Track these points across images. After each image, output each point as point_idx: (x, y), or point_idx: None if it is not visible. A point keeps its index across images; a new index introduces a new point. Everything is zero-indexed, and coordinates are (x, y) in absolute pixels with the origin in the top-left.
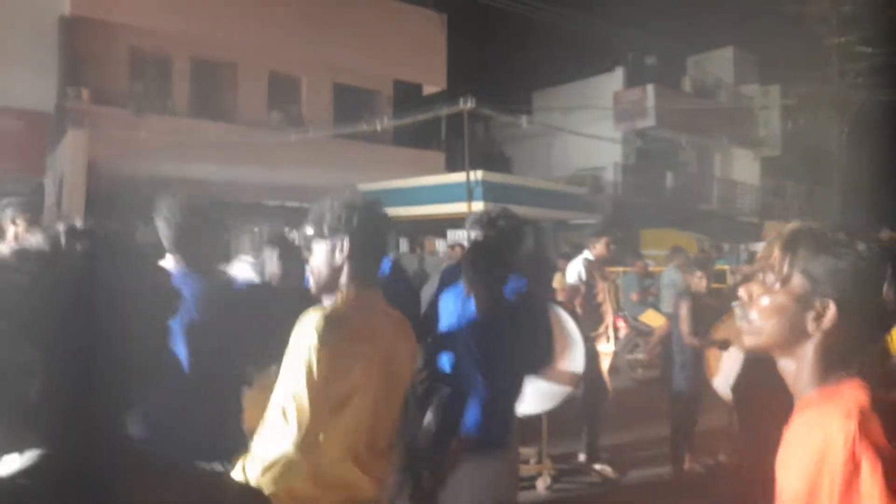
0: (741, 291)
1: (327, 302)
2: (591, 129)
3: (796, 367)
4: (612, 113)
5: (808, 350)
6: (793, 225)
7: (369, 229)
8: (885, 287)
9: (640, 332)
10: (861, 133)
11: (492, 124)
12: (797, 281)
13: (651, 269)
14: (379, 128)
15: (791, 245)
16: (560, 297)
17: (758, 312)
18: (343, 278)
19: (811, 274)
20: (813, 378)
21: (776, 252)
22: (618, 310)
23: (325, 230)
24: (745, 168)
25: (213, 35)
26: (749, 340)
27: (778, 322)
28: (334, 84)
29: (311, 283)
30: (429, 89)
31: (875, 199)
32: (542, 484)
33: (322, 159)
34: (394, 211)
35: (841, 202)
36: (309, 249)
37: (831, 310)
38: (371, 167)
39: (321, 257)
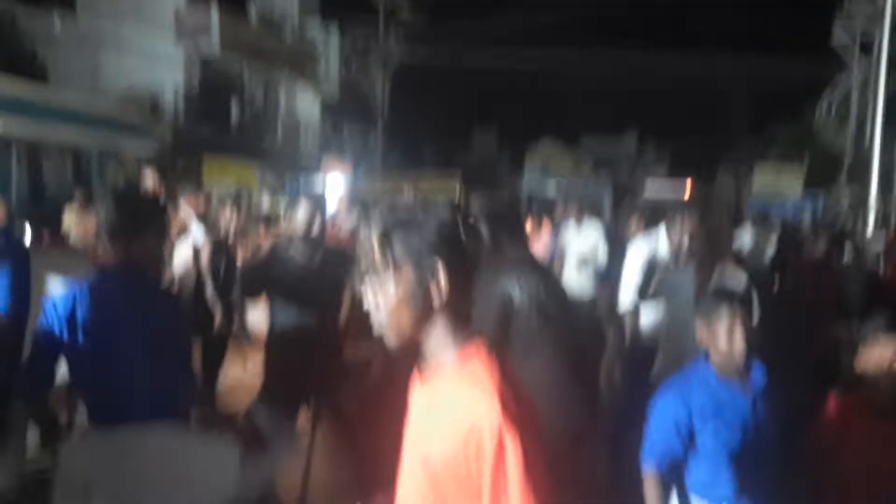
0: (368, 300)
1: None
2: (147, 44)
3: (432, 339)
4: (174, 30)
5: (440, 317)
6: (377, 228)
7: None
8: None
9: None
10: (401, 86)
11: (11, 19)
12: (405, 264)
13: None
14: None
15: (383, 241)
16: None
17: (390, 307)
18: None
19: (411, 253)
20: (448, 343)
21: (377, 254)
22: None
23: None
24: (306, 106)
25: None
26: (395, 335)
27: (411, 304)
28: None
29: None
30: None
31: (412, 144)
32: None
33: None
34: None
35: (386, 145)
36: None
37: (441, 269)
38: None
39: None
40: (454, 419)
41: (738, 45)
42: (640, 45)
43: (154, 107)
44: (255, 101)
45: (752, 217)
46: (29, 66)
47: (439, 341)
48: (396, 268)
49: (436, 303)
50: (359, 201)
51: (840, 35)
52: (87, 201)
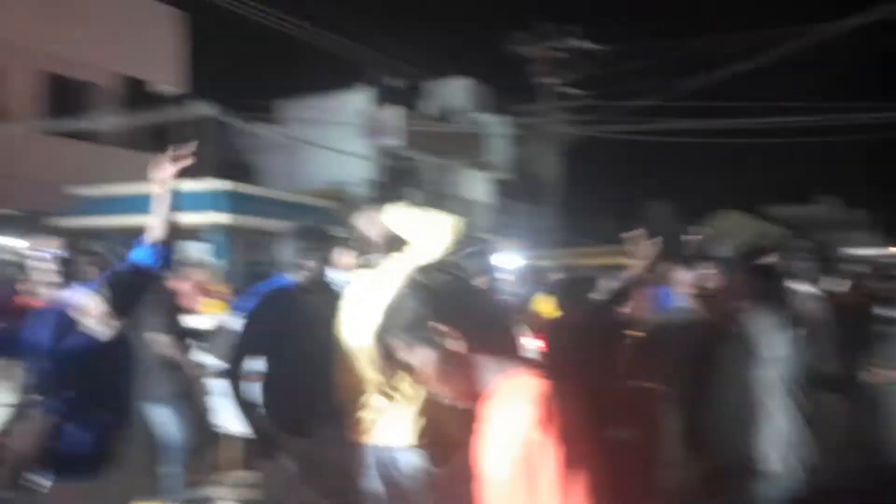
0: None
1: None
2: (338, 144)
3: (476, 376)
4: (359, 129)
5: (472, 363)
6: (378, 336)
7: None
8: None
9: None
10: (573, 162)
11: (234, 131)
12: (415, 346)
13: None
14: (105, 126)
15: (384, 342)
16: None
17: (429, 381)
18: None
19: (412, 337)
20: (495, 367)
21: (394, 351)
22: None
23: None
24: (480, 187)
25: None
26: (447, 396)
27: (441, 372)
28: (45, 73)
29: None
30: (164, 90)
31: (586, 218)
32: None
33: (28, 157)
34: (122, 220)
35: (560, 222)
36: None
37: (445, 334)
38: (91, 169)
39: None
40: (500, 435)
41: None
42: (832, 102)
43: (345, 197)
44: (432, 185)
45: None
46: (242, 169)
47: (480, 377)
48: (411, 350)
49: (462, 358)
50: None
51: None
52: None
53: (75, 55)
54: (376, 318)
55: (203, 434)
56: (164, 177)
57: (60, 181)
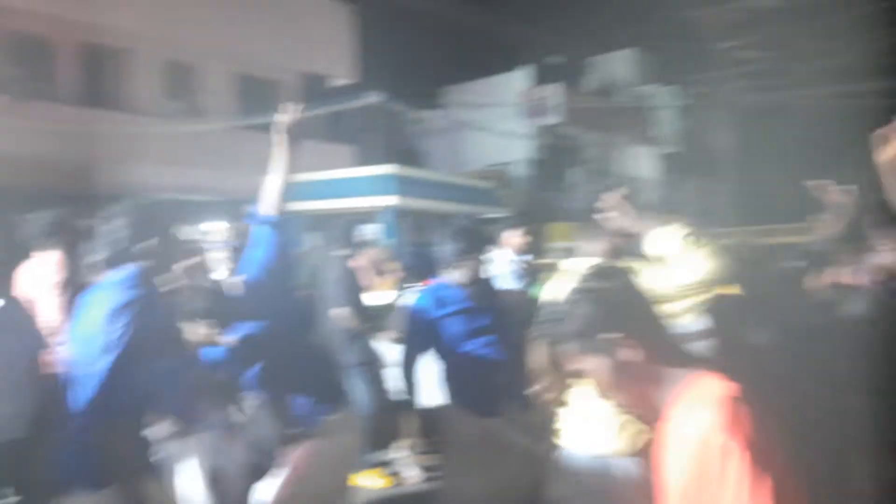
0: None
1: None
2: (500, 126)
3: (656, 386)
4: (520, 110)
5: (651, 367)
6: (546, 343)
7: None
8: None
9: None
10: (750, 132)
11: (401, 118)
12: (586, 355)
13: None
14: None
15: (556, 351)
16: None
17: (607, 391)
18: None
19: (584, 345)
20: (668, 381)
21: (566, 359)
22: None
23: None
24: (646, 164)
25: (104, 19)
26: (628, 407)
27: (617, 380)
28: (237, 74)
29: None
30: (337, 82)
31: (769, 191)
32: None
33: (224, 151)
34: (303, 205)
35: (736, 198)
36: None
37: (617, 339)
38: None
39: None
40: (684, 441)
41: None
42: None
43: (506, 177)
44: (596, 163)
45: None
46: (409, 153)
47: (661, 384)
48: (583, 358)
49: (638, 366)
50: None
51: None
52: None
53: (262, 56)
54: (545, 322)
55: (384, 402)
56: (284, 126)
57: (252, 171)
